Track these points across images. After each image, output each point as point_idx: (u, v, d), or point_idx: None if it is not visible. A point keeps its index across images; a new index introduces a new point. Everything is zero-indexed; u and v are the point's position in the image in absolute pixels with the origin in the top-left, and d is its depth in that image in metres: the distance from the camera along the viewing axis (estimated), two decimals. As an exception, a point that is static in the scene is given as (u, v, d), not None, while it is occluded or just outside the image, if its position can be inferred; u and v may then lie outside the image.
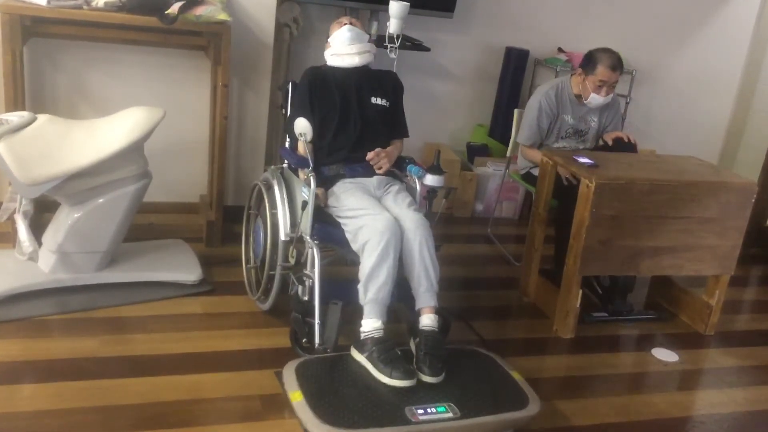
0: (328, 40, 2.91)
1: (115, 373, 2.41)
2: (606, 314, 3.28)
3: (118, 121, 2.85)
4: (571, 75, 3.64)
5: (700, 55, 5.13)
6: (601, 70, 3.41)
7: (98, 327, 2.68)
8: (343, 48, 2.84)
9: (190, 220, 3.65)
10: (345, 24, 2.87)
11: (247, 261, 3.12)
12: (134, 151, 2.85)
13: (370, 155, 2.75)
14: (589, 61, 3.47)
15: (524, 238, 3.44)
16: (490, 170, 4.46)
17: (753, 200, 3.11)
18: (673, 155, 3.63)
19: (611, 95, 3.52)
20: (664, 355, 3.04)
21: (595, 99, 3.48)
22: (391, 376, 2.28)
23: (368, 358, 2.36)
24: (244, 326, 2.82)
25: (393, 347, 2.38)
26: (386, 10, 3.55)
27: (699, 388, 2.88)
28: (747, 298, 3.87)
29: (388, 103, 2.88)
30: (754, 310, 3.74)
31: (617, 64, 3.42)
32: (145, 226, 3.42)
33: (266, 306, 2.86)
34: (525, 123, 3.65)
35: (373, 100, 2.85)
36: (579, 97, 3.56)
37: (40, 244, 2.87)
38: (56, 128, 2.75)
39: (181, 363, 2.52)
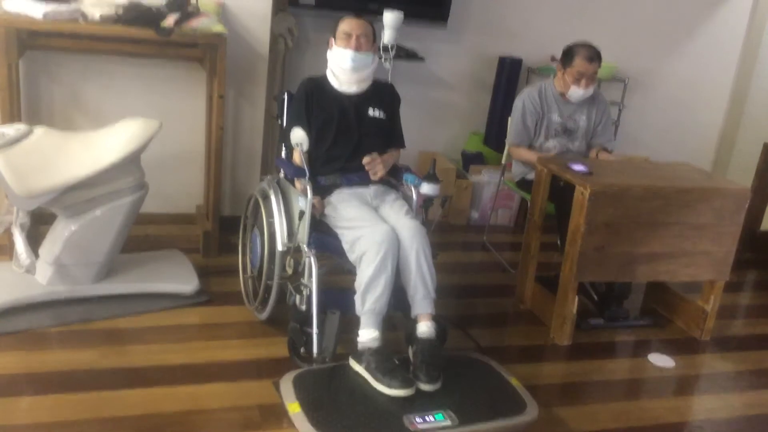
0: (332, 40, 2.82)
1: (114, 385, 2.41)
2: (602, 320, 3.29)
3: (115, 133, 2.86)
4: (553, 76, 3.70)
5: (692, 63, 5.17)
6: (579, 62, 3.48)
7: (96, 339, 2.68)
8: (342, 74, 2.81)
9: (186, 231, 3.65)
10: (351, 46, 2.74)
11: (244, 271, 3.13)
12: (131, 163, 2.86)
13: (366, 159, 2.76)
14: (566, 55, 3.55)
15: (520, 245, 3.46)
16: (485, 178, 4.48)
17: (746, 206, 3.13)
18: (667, 162, 3.66)
19: (591, 88, 3.57)
20: (660, 360, 3.05)
21: (576, 92, 3.54)
22: (389, 386, 2.29)
23: (366, 369, 2.36)
24: (241, 336, 2.82)
25: (390, 357, 2.39)
26: (381, 20, 3.59)
27: (696, 394, 2.89)
28: (742, 303, 3.89)
29: (385, 116, 2.89)
30: (749, 314, 3.75)
31: (594, 55, 3.48)
32: (142, 237, 3.42)
33: (264, 316, 2.87)
34: (511, 124, 3.72)
35: (371, 112, 2.85)
36: (563, 95, 3.61)
37: (37, 256, 2.87)
38: (53, 140, 2.76)
39: (180, 374, 2.52)
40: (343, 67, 2.78)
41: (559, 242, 3.36)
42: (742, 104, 5.42)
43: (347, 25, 2.79)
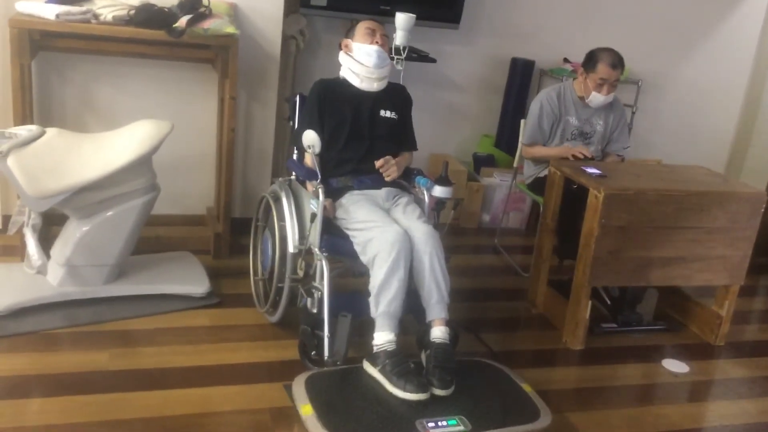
0: (350, 42, 2.82)
1: (124, 387, 2.40)
2: (615, 325, 3.27)
3: (127, 135, 2.85)
4: (573, 79, 3.67)
5: (705, 65, 5.13)
6: (602, 68, 3.45)
7: (107, 340, 2.67)
8: (364, 70, 2.79)
9: (197, 233, 3.64)
10: (376, 42, 2.78)
11: (255, 273, 3.11)
12: (142, 164, 2.85)
13: (379, 162, 2.75)
14: (589, 60, 3.52)
15: (532, 248, 3.43)
16: (497, 181, 4.46)
17: (762, 210, 3.09)
18: (681, 165, 3.62)
19: (612, 94, 3.54)
20: (674, 366, 3.02)
21: (597, 98, 3.51)
22: (404, 390, 2.27)
23: (381, 372, 2.34)
24: (252, 339, 2.81)
25: (406, 360, 2.37)
26: (392, 22, 3.57)
27: (710, 400, 2.86)
28: (757, 308, 3.85)
29: (397, 117, 2.88)
30: (764, 320, 3.71)
31: (617, 62, 3.45)
32: (153, 239, 3.41)
33: (275, 318, 2.86)
34: (527, 124, 3.70)
35: (383, 113, 2.84)
36: (582, 98, 3.59)
37: (48, 257, 2.88)
38: (65, 142, 2.76)
39: (190, 376, 2.51)
40: (370, 62, 2.78)
41: (557, 243, 3.33)
42: (756, 107, 5.37)
43: (370, 22, 2.85)
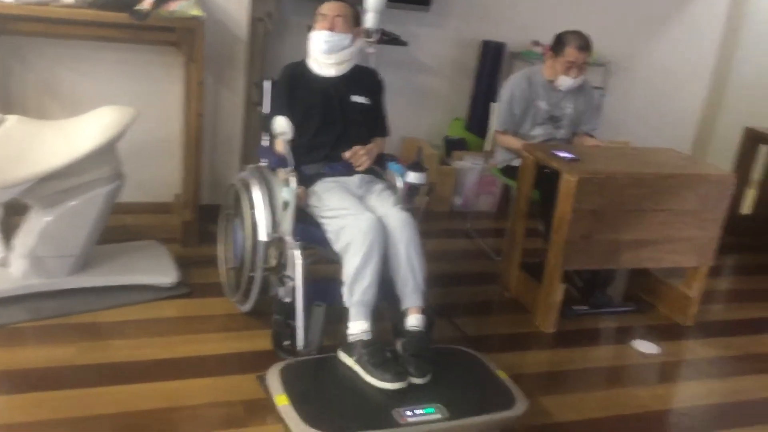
0: (310, 32, 2.80)
1: (93, 382, 2.35)
2: (587, 307, 3.29)
3: (90, 121, 2.77)
4: (542, 63, 3.66)
5: (673, 47, 5.16)
6: (569, 51, 3.45)
7: (73, 333, 2.61)
8: (319, 56, 2.76)
9: (164, 221, 3.57)
10: (326, 27, 2.73)
11: (225, 262, 3.06)
12: (107, 152, 2.78)
13: (347, 154, 2.71)
14: (557, 43, 3.52)
15: (503, 231, 3.44)
16: (468, 164, 4.44)
17: (731, 192, 3.13)
18: (652, 147, 3.65)
19: (581, 77, 3.55)
20: (644, 347, 3.05)
21: (565, 81, 3.51)
22: (382, 379, 2.25)
23: (358, 362, 2.32)
24: (223, 329, 2.77)
25: (383, 350, 2.34)
26: (363, 4, 3.52)
27: (680, 380, 2.90)
28: (724, 288, 3.91)
29: (369, 101, 2.84)
30: (731, 299, 3.77)
31: (585, 44, 3.46)
32: (119, 228, 3.33)
33: (246, 308, 2.81)
34: (499, 110, 3.68)
35: (354, 98, 2.80)
36: (552, 82, 3.58)
37: (11, 249, 2.79)
38: (26, 129, 2.68)
39: (160, 369, 2.46)
40: (318, 49, 2.74)
41: (543, 229, 3.34)
42: (723, 88, 5.43)
43: (323, 7, 2.78)
